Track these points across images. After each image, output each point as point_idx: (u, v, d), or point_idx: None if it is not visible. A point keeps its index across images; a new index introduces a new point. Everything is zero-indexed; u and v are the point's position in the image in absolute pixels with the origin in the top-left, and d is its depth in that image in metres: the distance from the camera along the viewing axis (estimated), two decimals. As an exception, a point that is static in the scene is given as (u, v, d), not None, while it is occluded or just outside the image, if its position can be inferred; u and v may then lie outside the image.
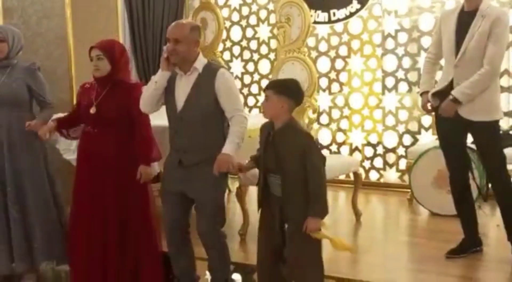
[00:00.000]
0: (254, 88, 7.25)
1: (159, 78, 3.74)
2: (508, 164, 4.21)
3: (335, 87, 6.75)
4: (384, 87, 6.48)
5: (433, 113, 4.35)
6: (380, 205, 6.18)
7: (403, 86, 6.39)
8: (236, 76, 7.27)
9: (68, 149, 5.00)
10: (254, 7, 7.15)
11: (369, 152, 6.63)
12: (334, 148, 6.79)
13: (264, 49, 7.14)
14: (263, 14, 7.11)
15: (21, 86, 4.24)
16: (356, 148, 6.68)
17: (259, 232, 3.50)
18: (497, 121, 4.07)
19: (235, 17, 7.28)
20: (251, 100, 7.27)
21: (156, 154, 4.06)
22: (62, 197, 4.49)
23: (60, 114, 4.40)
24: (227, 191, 6.14)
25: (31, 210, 4.29)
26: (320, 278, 3.45)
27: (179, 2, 7.03)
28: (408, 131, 6.41)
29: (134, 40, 7.13)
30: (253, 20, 7.18)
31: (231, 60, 7.30)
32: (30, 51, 5.44)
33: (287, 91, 3.30)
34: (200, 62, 3.74)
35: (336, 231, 5.18)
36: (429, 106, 4.25)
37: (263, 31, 7.11)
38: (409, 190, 5.70)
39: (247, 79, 7.25)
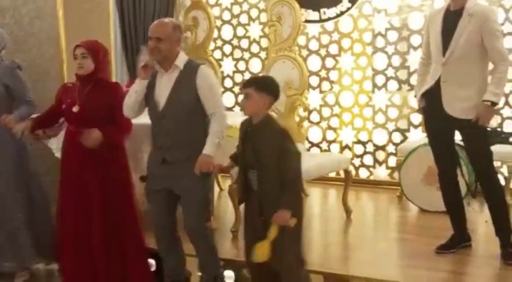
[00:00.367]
0: (245, 87, 7.25)
1: (138, 87, 3.79)
2: (496, 161, 4.26)
3: (325, 85, 6.79)
4: (374, 85, 6.54)
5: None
6: (370, 202, 6.24)
7: (393, 85, 6.45)
8: (227, 75, 7.31)
9: (59, 148, 5.01)
10: (245, 6, 7.18)
11: (359, 149, 6.69)
12: (324, 145, 6.84)
13: (255, 48, 7.17)
14: (254, 13, 7.14)
15: None
16: (346, 146, 6.73)
17: (244, 227, 3.56)
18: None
19: (226, 16, 7.30)
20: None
21: (118, 139, 4.06)
22: (48, 194, 4.49)
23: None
24: (218, 189, 6.21)
25: (10, 210, 4.29)
26: (304, 270, 3.48)
27: (170, 1, 7.05)
28: (397, 129, 6.47)
29: (125, 39, 7.14)
30: (244, 19, 7.21)
31: (222, 59, 7.33)
32: (22, 51, 5.46)
33: (268, 88, 3.39)
34: (181, 59, 3.79)
35: (328, 229, 5.25)
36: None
37: (254, 30, 7.14)
38: (399, 187, 5.75)
39: (238, 77, 7.28)
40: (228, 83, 7.33)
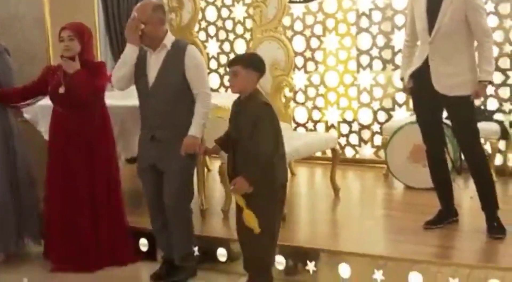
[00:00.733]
0: (231, 68, 7.26)
1: (127, 50, 3.82)
2: (480, 138, 4.33)
3: (310, 66, 6.82)
4: (359, 65, 6.58)
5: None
6: (357, 180, 6.30)
7: (377, 64, 6.49)
8: (212, 56, 7.30)
9: (47, 131, 5.02)
10: (229, -13, 7.17)
11: (344, 129, 6.74)
12: (310, 125, 6.88)
13: (239, 29, 7.18)
14: (238, -6, 7.14)
15: None
16: (332, 125, 6.78)
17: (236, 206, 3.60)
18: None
19: (210, -3, 7.30)
20: (227, 80, 7.31)
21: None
22: (34, 175, 4.52)
23: None
24: (206, 170, 6.24)
25: None
26: (271, 245, 3.54)
27: (154, -18, 7.02)
28: (382, 108, 6.53)
29: (108, 21, 7.12)
30: (228, 0, 7.21)
31: (206, 41, 7.32)
32: (8, 34, 5.43)
33: (254, 64, 3.45)
34: (169, 39, 3.84)
35: (316, 207, 5.31)
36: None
37: (239, 11, 7.14)
38: (384, 165, 5.83)
39: (223, 59, 7.28)
40: (213, 64, 7.33)
